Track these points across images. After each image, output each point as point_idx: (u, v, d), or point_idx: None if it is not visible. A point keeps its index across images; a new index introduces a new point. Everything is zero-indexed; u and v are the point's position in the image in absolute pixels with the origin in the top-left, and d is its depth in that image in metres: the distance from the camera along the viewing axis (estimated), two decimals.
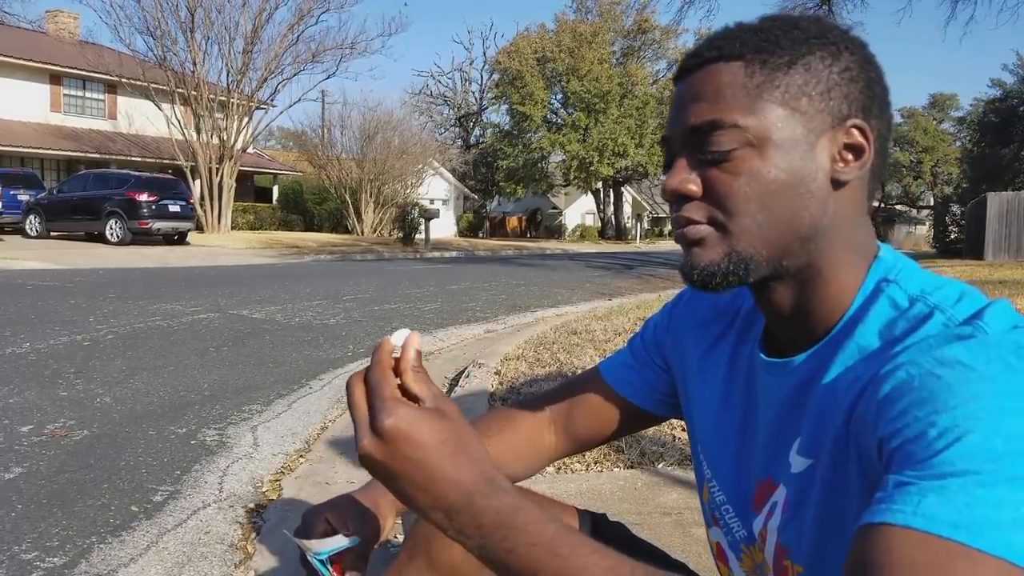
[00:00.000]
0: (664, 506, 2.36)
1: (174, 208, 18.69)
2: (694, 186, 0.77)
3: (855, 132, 0.77)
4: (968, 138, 47.01)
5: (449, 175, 39.98)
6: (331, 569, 0.88)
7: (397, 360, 0.69)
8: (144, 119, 26.60)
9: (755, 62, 0.77)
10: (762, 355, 0.87)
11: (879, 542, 0.57)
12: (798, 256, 0.78)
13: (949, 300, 0.72)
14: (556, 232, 44.42)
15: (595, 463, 2.76)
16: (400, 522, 1.25)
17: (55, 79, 27.13)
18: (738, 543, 0.92)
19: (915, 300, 0.74)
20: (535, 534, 0.65)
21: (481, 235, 40.24)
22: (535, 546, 0.65)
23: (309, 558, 0.87)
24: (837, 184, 0.77)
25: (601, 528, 1.08)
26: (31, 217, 19.47)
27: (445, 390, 4.23)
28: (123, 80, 24.82)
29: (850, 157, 0.77)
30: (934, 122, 57.64)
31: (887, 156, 0.81)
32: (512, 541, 0.65)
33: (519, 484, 1.11)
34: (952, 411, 0.60)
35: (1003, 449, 0.57)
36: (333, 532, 0.91)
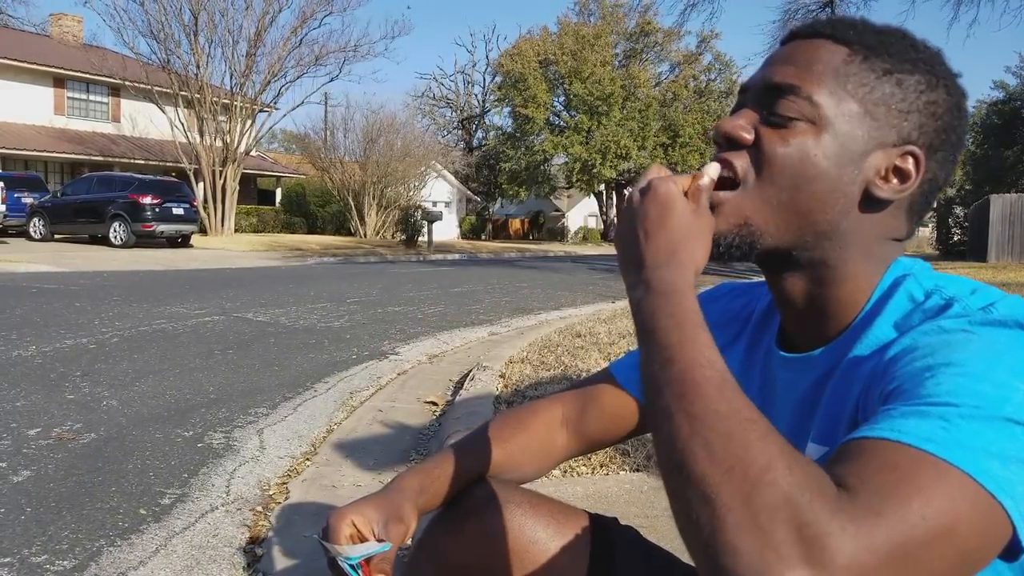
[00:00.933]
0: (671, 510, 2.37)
1: (177, 211, 18.73)
2: (746, 134, 0.78)
3: (909, 159, 0.77)
4: (971, 140, 46.90)
5: (452, 177, 40.00)
6: (362, 573, 0.88)
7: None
8: (148, 122, 26.65)
9: (858, 55, 0.78)
10: (780, 351, 0.88)
11: (853, 448, 0.59)
12: (811, 250, 0.79)
13: (964, 292, 0.74)
14: (559, 235, 44.41)
15: (601, 466, 2.77)
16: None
17: (59, 82, 27.19)
18: None
19: (931, 293, 0.75)
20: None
21: (484, 237, 40.25)
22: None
23: (340, 562, 0.88)
24: (868, 199, 0.77)
25: (612, 532, 1.08)
26: (35, 220, 19.51)
27: (450, 393, 4.24)
28: (127, 83, 24.86)
29: (894, 179, 0.77)
30: None
31: (931, 203, 0.82)
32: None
33: (527, 485, 1.12)
34: (948, 357, 0.64)
35: (991, 393, 0.60)
36: (360, 536, 0.91)
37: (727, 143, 0.79)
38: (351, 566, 0.88)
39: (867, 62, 0.77)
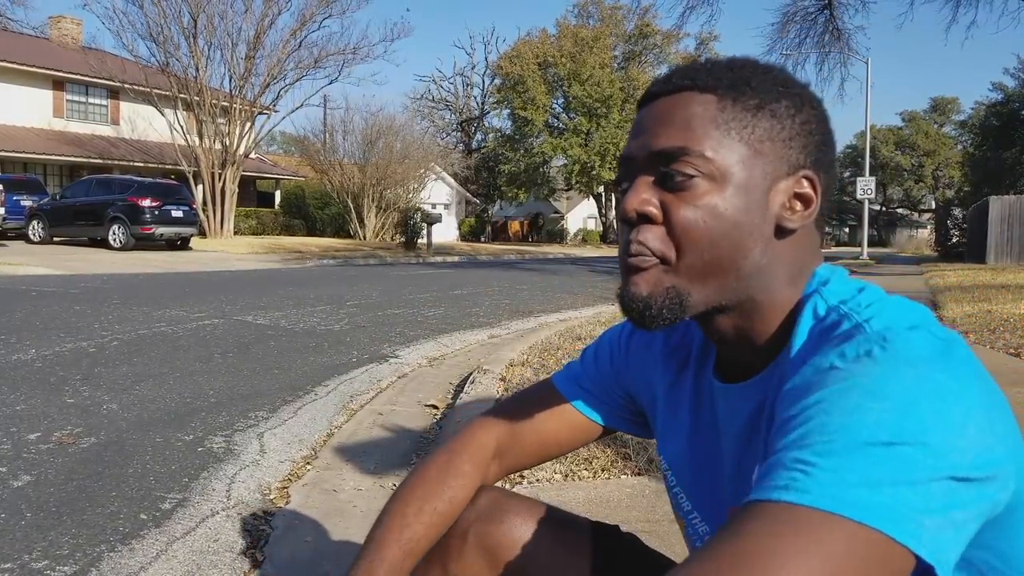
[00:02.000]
0: (672, 514, 2.36)
1: (177, 213, 18.73)
2: (654, 209, 0.77)
3: (805, 183, 0.78)
4: (970, 141, 47.01)
5: (451, 180, 40.03)
6: None
7: None
8: (147, 124, 26.66)
9: (727, 98, 0.77)
10: (717, 381, 0.88)
11: (732, 517, 0.60)
12: (736, 292, 0.79)
13: (858, 307, 0.74)
14: (558, 236, 44.43)
15: (602, 471, 2.76)
16: None
17: (58, 85, 27.19)
18: None
19: (831, 310, 0.76)
20: None
21: (483, 239, 40.26)
22: None
23: None
24: (781, 231, 0.78)
25: (613, 540, 1.08)
26: (34, 223, 19.51)
27: (450, 397, 4.23)
28: (126, 86, 24.87)
29: (799, 206, 0.78)
30: (935, 126, 57.69)
31: (829, 210, 0.83)
32: None
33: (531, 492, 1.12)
34: (808, 399, 0.64)
35: (841, 423, 0.60)
36: None
37: (638, 219, 0.78)
38: None
39: (738, 103, 0.77)
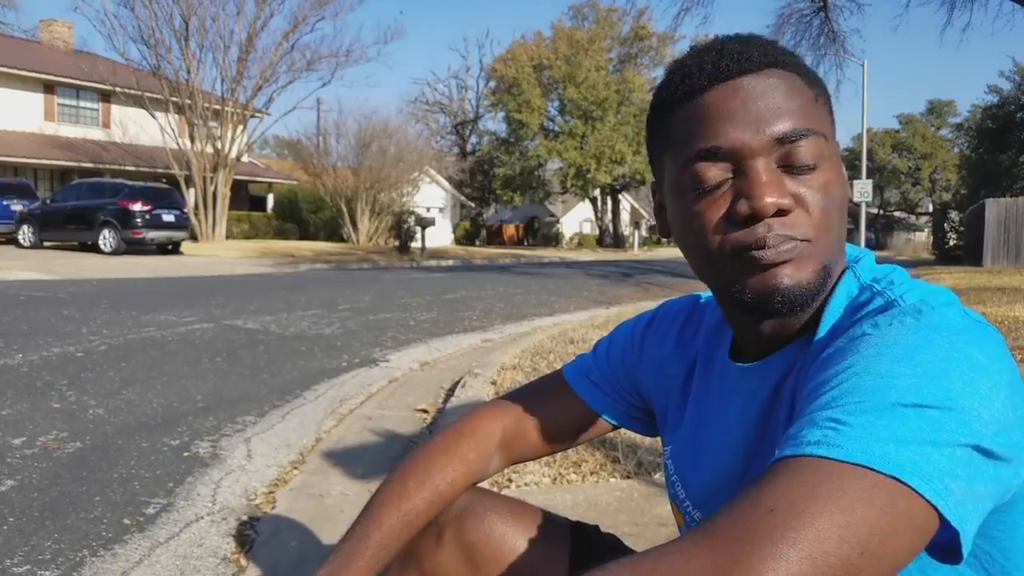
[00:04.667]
0: (661, 516, 2.35)
1: (168, 217, 18.67)
2: (791, 200, 0.74)
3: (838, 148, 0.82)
4: (966, 144, 47.20)
5: (446, 183, 40.00)
6: None
7: None
8: (138, 128, 26.59)
9: (802, 76, 0.77)
10: (734, 363, 0.87)
11: (762, 476, 0.60)
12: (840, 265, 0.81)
13: (892, 284, 0.76)
14: (553, 240, 44.43)
15: (592, 474, 2.74)
16: None
17: (49, 88, 27.12)
18: None
19: (864, 288, 0.77)
20: None
21: (478, 243, 40.24)
22: None
23: None
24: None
25: (593, 540, 1.07)
26: (24, 227, 19.43)
27: (441, 400, 4.21)
28: (117, 89, 24.82)
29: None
30: (932, 128, 57.90)
31: None
32: None
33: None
34: (840, 363, 0.65)
35: (873, 384, 0.61)
36: None
37: (776, 213, 0.74)
38: None
39: (807, 79, 0.78)
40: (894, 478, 0.55)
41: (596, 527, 1.10)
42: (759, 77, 0.74)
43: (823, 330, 0.76)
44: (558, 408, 1.07)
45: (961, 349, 0.62)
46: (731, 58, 0.75)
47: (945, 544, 0.58)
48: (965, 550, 0.57)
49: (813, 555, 0.52)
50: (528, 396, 1.10)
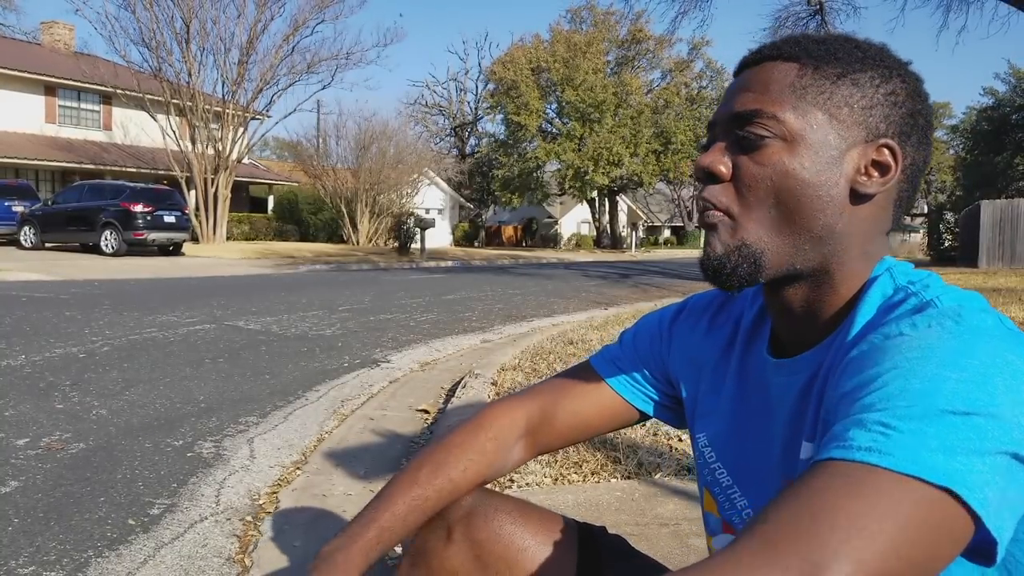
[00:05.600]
0: (662, 517, 2.37)
1: (169, 219, 18.67)
2: (723, 167, 0.81)
3: (885, 151, 0.79)
4: (961, 146, 47.15)
5: (445, 185, 40.02)
6: None
7: None
8: (139, 130, 26.61)
9: (808, 66, 0.80)
10: (771, 357, 0.89)
11: (804, 474, 0.61)
12: (810, 258, 0.81)
13: (927, 288, 0.76)
14: (551, 241, 44.45)
15: (592, 474, 2.76)
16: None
17: (50, 90, 27.13)
18: None
19: (899, 289, 0.78)
20: None
21: (477, 244, 40.25)
22: None
23: None
24: (856, 196, 0.79)
25: (600, 541, 1.08)
26: (26, 228, 19.43)
27: (441, 401, 4.23)
28: (118, 91, 24.83)
29: (875, 173, 0.79)
30: None
31: (917, 187, 0.84)
32: None
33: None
34: (883, 363, 0.66)
35: (920, 388, 0.61)
36: None
37: (707, 178, 0.82)
38: None
39: (819, 71, 0.80)
40: (944, 489, 0.56)
41: (603, 528, 1.11)
42: (755, 68, 0.83)
43: (855, 329, 0.77)
44: (586, 397, 1.08)
45: (1002, 355, 0.64)
46: (751, 52, 0.85)
47: (977, 549, 0.59)
48: (999, 557, 0.59)
49: (871, 571, 0.54)
50: (555, 385, 1.11)
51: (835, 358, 0.78)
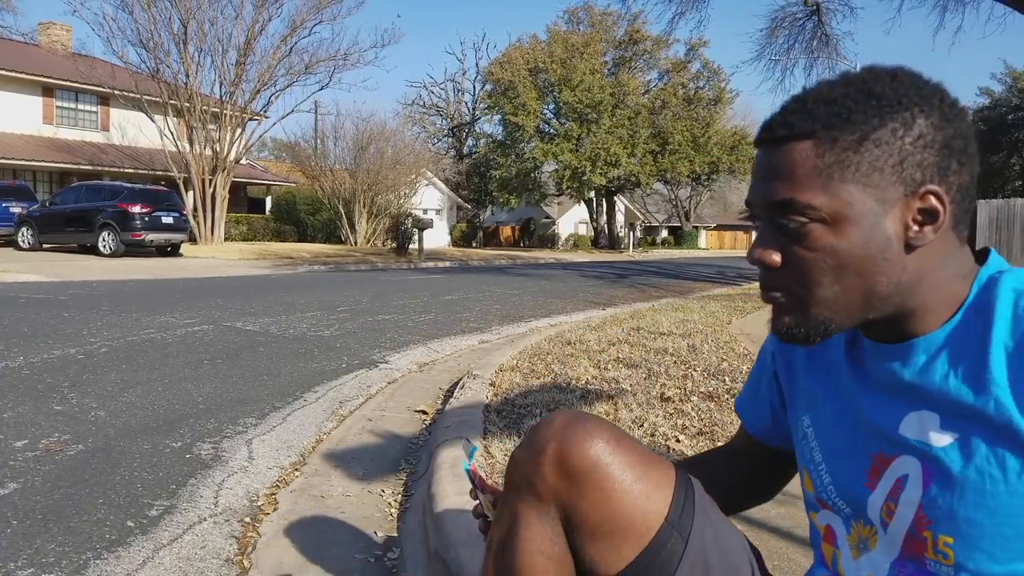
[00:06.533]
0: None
1: (167, 220, 18.65)
2: (776, 257, 0.83)
3: (931, 198, 0.79)
4: None
5: (442, 185, 40.02)
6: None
7: None
8: (137, 131, 26.58)
9: (826, 141, 0.80)
10: (872, 340, 0.91)
11: None
12: (882, 309, 0.83)
13: None
14: (549, 242, 44.45)
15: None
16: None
17: (48, 91, 27.09)
18: (848, 519, 0.96)
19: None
20: None
21: (475, 245, 40.25)
22: None
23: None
24: (911, 248, 0.80)
25: (697, 492, 1.06)
26: (23, 229, 19.40)
27: (440, 402, 4.23)
28: (116, 92, 24.79)
29: (923, 221, 0.80)
30: None
31: (974, 196, 0.84)
32: None
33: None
34: None
35: None
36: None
37: (763, 266, 0.85)
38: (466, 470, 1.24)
39: (837, 144, 0.79)
40: None
41: (698, 481, 1.09)
42: (775, 149, 0.83)
43: (1002, 332, 0.78)
44: (752, 455, 1.22)
45: None
46: (767, 126, 0.85)
47: None
48: None
49: None
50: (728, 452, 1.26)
51: (967, 339, 0.80)
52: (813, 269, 0.81)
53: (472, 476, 1.23)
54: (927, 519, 0.84)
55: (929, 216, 0.79)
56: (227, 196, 25.12)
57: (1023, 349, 0.75)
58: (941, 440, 0.82)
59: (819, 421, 1.00)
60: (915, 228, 0.79)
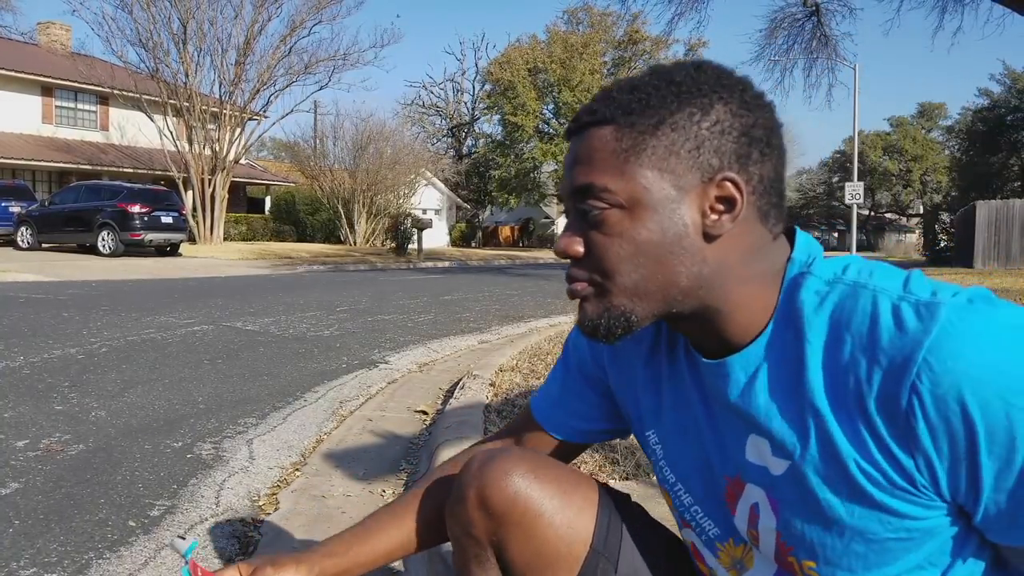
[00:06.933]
0: (660, 517, 2.37)
1: (166, 219, 18.66)
2: (578, 247, 0.82)
3: (727, 184, 0.77)
4: (957, 147, 47.31)
5: (442, 185, 40.02)
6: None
7: None
8: (136, 130, 26.59)
9: (624, 125, 0.79)
10: (702, 357, 0.88)
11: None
12: (685, 303, 0.81)
13: (863, 276, 0.77)
14: (548, 241, 44.45)
15: (590, 475, 2.77)
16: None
17: (47, 91, 27.10)
18: (712, 541, 0.94)
19: (833, 283, 0.77)
20: None
21: (474, 245, 40.26)
22: None
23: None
24: (710, 237, 0.78)
25: (622, 507, 1.08)
26: (23, 229, 19.41)
27: (440, 402, 4.24)
28: (115, 92, 24.81)
29: (722, 209, 0.78)
30: (923, 131, 57.96)
31: (782, 191, 0.82)
32: None
33: None
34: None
35: None
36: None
37: (568, 258, 0.84)
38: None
39: (635, 127, 0.78)
40: None
41: (627, 495, 1.11)
42: (579, 137, 0.83)
43: (817, 331, 0.76)
44: (535, 446, 1.13)
45: None
46: (573, 119, 0.85)
47: None
48: None
49: None
50: (504, 439, 1.18)
51: (782, 354, 0.78)
52: (612, 256, 0.79)
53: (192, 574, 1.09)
54: (787, 545, 0.82)
55: (727, 204, 0.78)
56: (226, 196, 25.13)
57: (837, 366, 0.73)
58: (778, 467, 0.80)
59: (667, 439, 0.97)
60: (713, 216, 0.78)
